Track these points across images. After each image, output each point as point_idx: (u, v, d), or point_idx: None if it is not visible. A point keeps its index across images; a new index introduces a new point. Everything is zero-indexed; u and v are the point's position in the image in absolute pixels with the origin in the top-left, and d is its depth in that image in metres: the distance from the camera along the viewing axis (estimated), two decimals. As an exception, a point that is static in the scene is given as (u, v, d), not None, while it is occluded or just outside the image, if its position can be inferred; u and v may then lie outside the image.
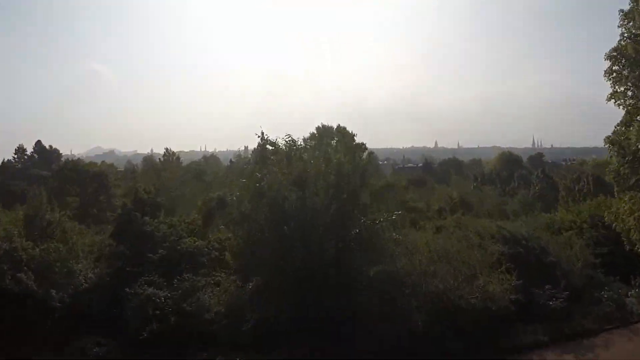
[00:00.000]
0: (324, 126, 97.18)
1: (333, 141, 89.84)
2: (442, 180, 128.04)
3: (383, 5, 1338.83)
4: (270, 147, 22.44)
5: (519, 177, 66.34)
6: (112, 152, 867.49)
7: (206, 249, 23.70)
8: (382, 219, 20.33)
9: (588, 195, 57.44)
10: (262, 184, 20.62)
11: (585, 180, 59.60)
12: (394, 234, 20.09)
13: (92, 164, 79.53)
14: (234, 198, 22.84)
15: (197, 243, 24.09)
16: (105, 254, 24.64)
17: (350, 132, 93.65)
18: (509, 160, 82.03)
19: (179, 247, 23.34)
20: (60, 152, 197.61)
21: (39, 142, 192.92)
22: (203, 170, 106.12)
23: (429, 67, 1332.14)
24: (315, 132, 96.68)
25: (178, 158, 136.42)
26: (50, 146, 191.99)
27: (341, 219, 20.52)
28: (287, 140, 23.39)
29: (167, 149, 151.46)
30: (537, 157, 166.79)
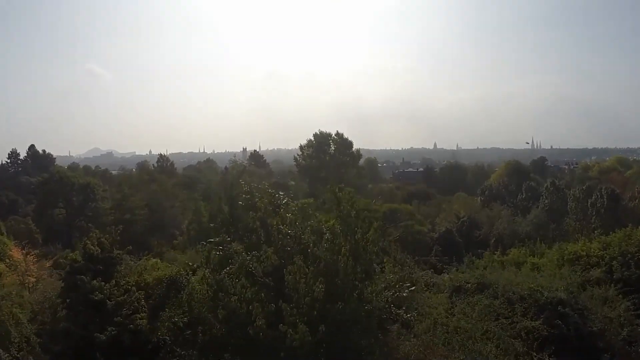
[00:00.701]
0: (321, 133, 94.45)
1: (331, 149, 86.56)
2: (445, 189, 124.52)
3: (382, 6, 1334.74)
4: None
5: (527, 189, 63.10)
6: (110, 153, 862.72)
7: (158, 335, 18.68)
8: (390, 295, 15.30)
9: (604, 212, 54.13)
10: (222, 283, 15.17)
11: (598, 194, 56.26)
12: (407, 314, 15.29)
13: (79, 174, 75.96)
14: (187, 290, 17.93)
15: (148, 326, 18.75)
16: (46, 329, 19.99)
17: (347, 138, 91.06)
18: (516, 170, 78.59)
19: (130, 326, 18.51)
20: (54, 156, 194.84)
21: (32, 147, 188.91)
22: (195, 180, 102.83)
23: (427, 68, 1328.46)
24: (312, 138, 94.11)
25: (172, 164, 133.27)
26: (44, 151, 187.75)
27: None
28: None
29: (161, 155, 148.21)
30: (540, 162, 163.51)
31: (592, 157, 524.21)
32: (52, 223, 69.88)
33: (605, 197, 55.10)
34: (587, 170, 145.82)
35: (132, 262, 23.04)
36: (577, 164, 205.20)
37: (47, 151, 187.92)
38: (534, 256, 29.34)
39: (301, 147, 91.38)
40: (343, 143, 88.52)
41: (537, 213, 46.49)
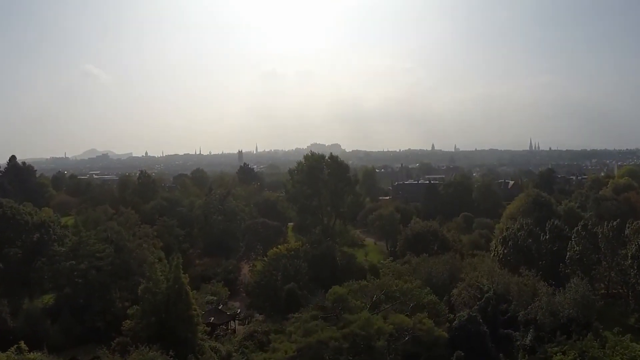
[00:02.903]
0: (313, 155, 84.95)
1: (324, 174, 77.17)
2: (451, 211, 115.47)
3: (381, 6, 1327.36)
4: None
5: (553, 229, 54.65)
6: (106, 155, 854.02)
7: None
8: None
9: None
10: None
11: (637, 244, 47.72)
12: None
13: (34, 210, 66.69)
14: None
15: None
16: None
17: (342, 161, 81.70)
18: (536, 202, 69.88)
19: None
20: (35, 168, 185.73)
21: (12, 158, 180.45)
22: (175, 203, 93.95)
23: (425, 69, 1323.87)
24: (303, 160, 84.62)
25: (154, 182, 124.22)
26: (24, 162, 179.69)
27: None
28: None
29: (142, 171, 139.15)
30: (547, 174, 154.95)
31: (593, 160, 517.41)
32: (6, 265, 61.14)
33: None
34: (598, 185, 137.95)
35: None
36: (584, 174, 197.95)
37: (27, 163, 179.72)
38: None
39: (290, 172, 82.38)
40: (338, 167, 79.02)
41: (580, 289, 37.41)
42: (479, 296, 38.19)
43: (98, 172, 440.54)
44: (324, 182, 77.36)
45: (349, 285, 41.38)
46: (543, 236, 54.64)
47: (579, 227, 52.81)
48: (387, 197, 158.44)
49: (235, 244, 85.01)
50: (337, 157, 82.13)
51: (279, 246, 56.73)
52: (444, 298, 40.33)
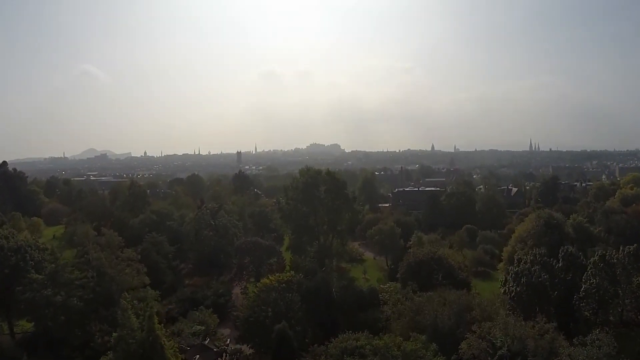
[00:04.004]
0: (309, 170, 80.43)
1: (321, 192, 72.80)
2: (453, 222, 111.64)
3: (380, 7, 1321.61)
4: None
5: (566, 257, 50.73)
6: (105, 155, 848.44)
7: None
8: None
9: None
10: None
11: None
12: None
13: (11, 233, 62.57)
14: None
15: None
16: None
17: (339, 178, 77.40)
18: (548, 224, 65.88)
19: None
20: (26, 174, 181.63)
21: (4, 165, 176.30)
22: (165, 217, 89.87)
23: (425, 69, 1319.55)
24: (298, 175, 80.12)
25: (144, 192, 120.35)
26: (15, 169, 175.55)
27: None
28: None
29: (132, 181, 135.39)
30: (552, 182, 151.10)
31: (594, 162, 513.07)
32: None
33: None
34: (604, 194, 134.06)
35: None
36: (588, 181, 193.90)
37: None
38: None
39: (285, 188, 78.12)
40: (336, 183, 74.57)
41: (603, 349, 33.28)
42: (491, 351, 34.27)
43: (95, 173, 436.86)
44: (320, 200, 73.08)
45: (344, 342, 37.16)
46: (556, 264, 50.82)
47: (596, 258, 48.96)
48: (387, 205, 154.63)
49: (227, 260, 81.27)
50: (334, 173, 77.93)
51: (270, 277, 52.66)
52: (452, 357, 36.33)
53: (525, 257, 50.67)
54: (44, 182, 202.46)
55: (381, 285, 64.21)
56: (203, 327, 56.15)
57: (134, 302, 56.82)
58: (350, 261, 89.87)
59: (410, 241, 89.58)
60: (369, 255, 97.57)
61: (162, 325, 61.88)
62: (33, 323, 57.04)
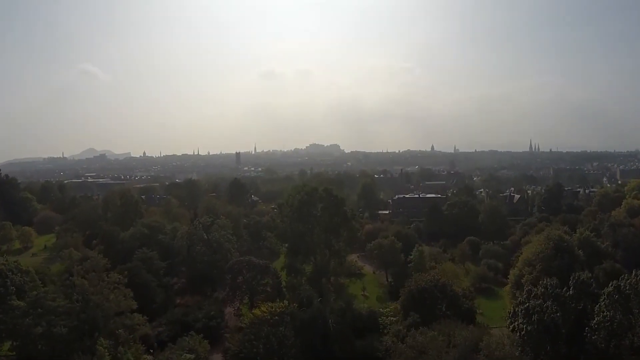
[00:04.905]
0: (304, 187, 77.37)
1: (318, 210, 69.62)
2: (455, 233, 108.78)
3: (380, 7, 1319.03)
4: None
5: (577, 285, 47.73)
6: (104, 155, 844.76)
7: None
8: None
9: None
10: None
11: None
12: None
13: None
14: None
15: None
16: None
17: (337, 195, 74.29)
18: (558, 248, 62.84)
19: None
20: (19, 181, 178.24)
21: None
22: (157, 230, 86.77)
23: (425, 69, 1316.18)
24: (293, 193, 76.70)
25: (137, 202, 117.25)
26: (7, 175, 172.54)
27: None
28: None
29: (125, 190, 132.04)
30: (556, 189, 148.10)
31: (594, 163, 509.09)
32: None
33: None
34: (609, 202, 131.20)
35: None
36: (592, 187, 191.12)
37: (10, 175, 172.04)
38: None
39: (279, 206, 75.04)
40: (333, 201, 71.45)
41: None
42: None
43: (94, 174, 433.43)
44: (316, 218, 70.05)
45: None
46: (566, 291, 47.92)
47: (611, 289, 45.98)
48: (387, 212, 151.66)
49: (220, 276, 78.37)
50: (331, 189, 74.67)
51: (262, 307, 49.71)
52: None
53: (535, 289, 47.64)
54: (38, 187, 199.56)
55: (380, 309, 61.27)
56: (193, 356, 53.34)
57: (119, 330, 54.28)
58: (349, 276, 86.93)
59: (411, 255, 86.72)
60: (368, 269, 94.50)
61: (152, 351, 59.41)
62: (15, 352, 54.30)
